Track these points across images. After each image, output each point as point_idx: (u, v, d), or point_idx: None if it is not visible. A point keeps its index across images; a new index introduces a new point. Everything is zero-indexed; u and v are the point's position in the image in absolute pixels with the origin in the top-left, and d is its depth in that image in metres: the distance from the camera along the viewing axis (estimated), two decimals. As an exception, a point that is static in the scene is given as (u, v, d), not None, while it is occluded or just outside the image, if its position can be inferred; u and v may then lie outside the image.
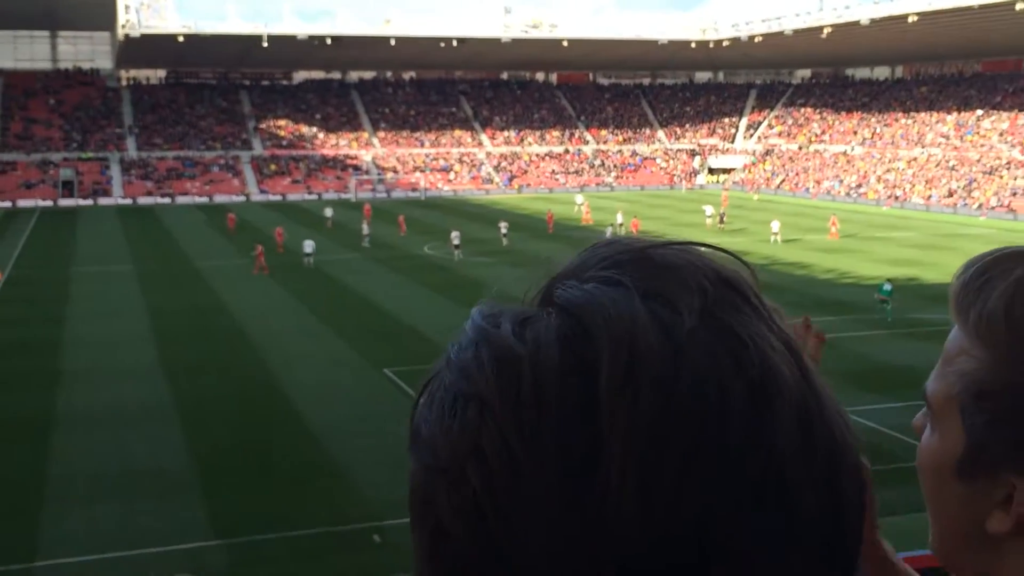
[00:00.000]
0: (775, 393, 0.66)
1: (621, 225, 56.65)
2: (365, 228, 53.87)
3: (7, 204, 79.41)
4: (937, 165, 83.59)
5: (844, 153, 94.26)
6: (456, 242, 47.60)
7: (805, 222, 62.93)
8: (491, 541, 0.64)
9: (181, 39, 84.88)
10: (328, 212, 62.93)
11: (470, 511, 0.65)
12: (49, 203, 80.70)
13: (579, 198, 72.69)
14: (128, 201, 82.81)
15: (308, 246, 46.39)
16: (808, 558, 0.67)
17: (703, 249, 0.73)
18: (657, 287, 0.68)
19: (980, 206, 72.53)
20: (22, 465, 20.22)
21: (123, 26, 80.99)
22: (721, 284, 0.70)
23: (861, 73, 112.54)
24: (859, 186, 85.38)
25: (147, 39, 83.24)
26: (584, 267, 0.72)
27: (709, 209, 62.87)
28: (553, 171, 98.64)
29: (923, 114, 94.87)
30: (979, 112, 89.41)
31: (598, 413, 0.64)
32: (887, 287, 33.07)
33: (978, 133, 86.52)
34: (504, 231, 52.97)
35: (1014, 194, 72.55)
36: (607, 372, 0.64)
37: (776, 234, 52.73)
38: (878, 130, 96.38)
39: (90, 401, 24.67)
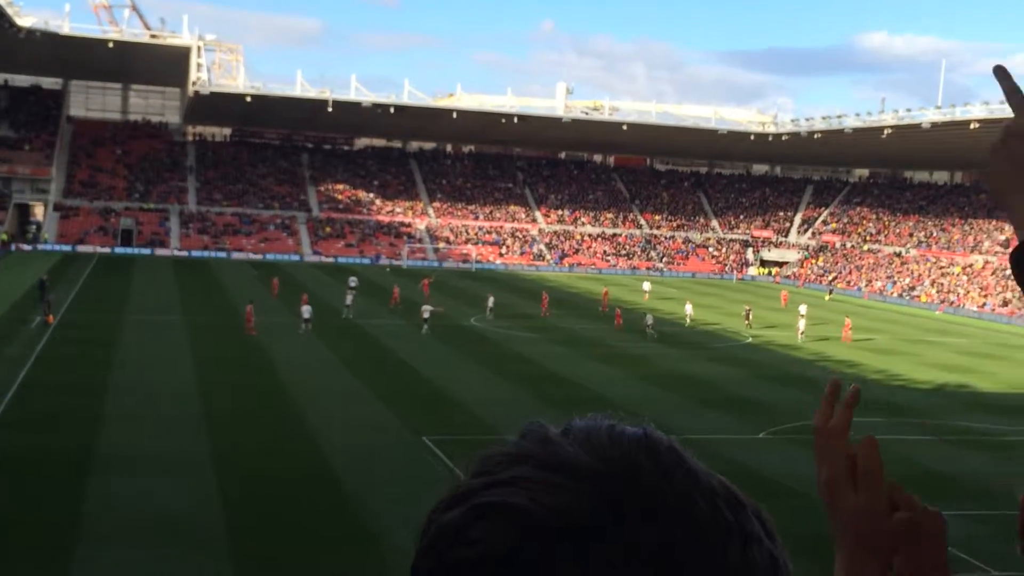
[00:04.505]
0: None
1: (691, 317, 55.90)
2: (348, 299, 51.20)
3: (67, 248, 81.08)
4: (993, 273, 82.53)
5: (898, 254, 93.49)
6: (425, 315, 46.78)
7: (857, 321, 62.02)
8: None
9: (249, 99, 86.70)
10: (352, 282, 57.94)
11: None
12: (107, 250, 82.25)
13: (646, 284, 72.85)
14: (184, 253, 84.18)
15: (306, 312, 44.48)
16: None
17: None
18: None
19: (1036, 317, 71.32)
20: (59, 503, 20.29)
21: (194, 83, 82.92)
22: None
23: (920, 176, 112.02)
24: (912, 288, 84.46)
25: (216, 97, 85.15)
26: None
27: (803, 308, 58.91)
28: (604, 252, 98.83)
29: (981, 221, 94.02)
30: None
31: None
32: None
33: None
34: (491, 305, 53.46)
35: (1071, 307, 71.29)
36: None
37: (802, 332, 51.92)
38: (934, 234, 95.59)
39: (129, 446, 24.77)
